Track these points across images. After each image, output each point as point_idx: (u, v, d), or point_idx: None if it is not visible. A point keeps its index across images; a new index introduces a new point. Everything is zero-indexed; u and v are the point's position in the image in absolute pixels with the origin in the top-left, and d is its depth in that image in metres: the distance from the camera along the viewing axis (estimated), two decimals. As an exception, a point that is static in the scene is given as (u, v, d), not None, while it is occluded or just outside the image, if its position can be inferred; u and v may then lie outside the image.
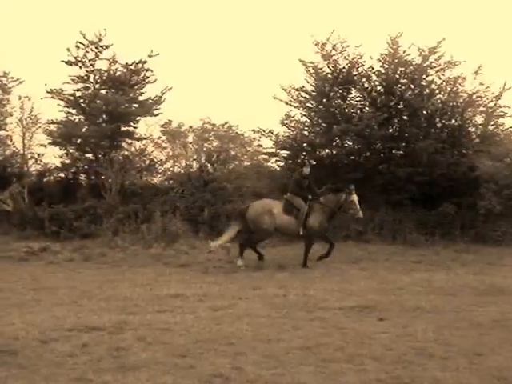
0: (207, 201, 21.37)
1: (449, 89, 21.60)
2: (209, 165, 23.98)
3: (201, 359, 6.59)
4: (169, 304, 9.98)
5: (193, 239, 19.08)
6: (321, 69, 21.96)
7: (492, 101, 21.55)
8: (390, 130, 21.56)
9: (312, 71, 22.01)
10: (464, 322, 8.44)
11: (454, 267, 14.86)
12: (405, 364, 6.38)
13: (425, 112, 21.38)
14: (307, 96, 22.21)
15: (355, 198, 15.34)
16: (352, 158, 22.12)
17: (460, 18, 39.44)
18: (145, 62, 22.77)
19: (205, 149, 24.85)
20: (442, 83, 21.66)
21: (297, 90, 22.20)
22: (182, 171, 24.47)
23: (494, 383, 5.70)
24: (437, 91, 21.65)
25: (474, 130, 22.21)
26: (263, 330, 7.93)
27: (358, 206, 15.39)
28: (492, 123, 21.97)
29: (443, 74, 21.52)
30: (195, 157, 24.89)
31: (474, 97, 21.44)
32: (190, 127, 25.14)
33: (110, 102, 21.79)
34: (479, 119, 22.15)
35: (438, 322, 8.52)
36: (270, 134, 22.53)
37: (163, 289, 11.53)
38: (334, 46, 21.62)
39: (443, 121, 21.85)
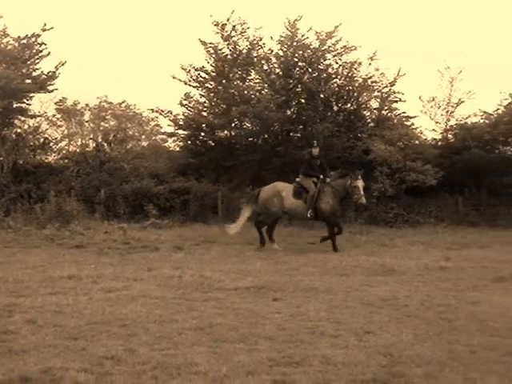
0: (104, 181, 21.08)
1: (345, 73, 22.06)
2: (105, 144, 23.53)
3: (92, 341, 6.47)
4: (61, 286, 9.74)
5: (88, 220, 18.74)
6: (220, 49, 21.93)
7: (387, 86, 22.19)
8: (288, 113, 21.84)
9: (212, 52, 21.95)
10: (355, 302, 8.65)
11: (347, 248, 15.21)
12: (297, 343, 6.48)
13: (322, 95, 21.75)
14: (207, 76, 22.18)
15: (360, 183, 15.20)
16: (250, 139, 22.30)
17: (356, 4, 40.22)
18: (38, 35, 22.02)
19: (101, 128, 24.31)
20: (338, 67, 22.08)
21: (196, 69, 22.11)
22: (78, 150, 23.92)
23: (380, 359, 5.87)
24: (333, 75, 22.05)
25: (368, 114, 22.84)
26: (157, 311, 7.88)
27: (362, 192, 15.24)
28: (386, 108, 22.63)
29: (340, 59, 21.98)
30: (91, 136, 24.32)
31: (369, 82, 22.02)
32: (87, 105, 24.50)
33: (0, 78, 20.91)
34: (374, 104, 22.79)
35: (331, 301, 8.70)
36: (168, 114, 22.40)
37: (56, 270, 11.23)
38: (234, 27, 21.65)
39: (339, 104, 22.38)
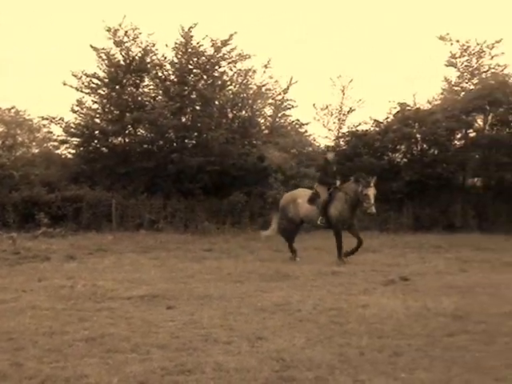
0: (-9, 189, 20.36)
1: (240, 80, 22.26)
2: (-7, 151, 22.78)
3: (-23, 357, 6.22)
4: None
5: (-26, 230, 18.05)
6: (113, 55, 21.64)
7: (280, 94, 22.56)
8: (183, 120, 21.81)
9: (104, 57, 21.63)
10: (249, 308, 8.68)
11: (242, 255, 15.25)
12: (190, 351, 6.45)
13: (217, 103, 21.86)
14: (99, 83, 21.81)
15: (371, 191, 14.18)
16: (145, 146, 22.12)
17: (250, 13, 40.69)
18: None
19: (-11, 134, 23.52)
20: (233, 75, 22.26)
21: (88, 76, 21.69)
22: (-37, 158, 23.02)
23: (272, 364, 5.92)
24: (228, 83, 22.22)
25: (263, 121, 23.11)
26: (47, 322, 7.65)
27: (372, 201, 14.18)
28: (280, 115, 22.96)
29: (235, 66, 22.15)
30: (-22, 143, 23.49)
31: (264, 89, 22.31)
32: (-28, 111, 23.67)
33: None
34: (268, 111, 23.10)
35: (225, 308, 8.71)
36: (60, 121, 21.88)
37: None
38: (126, 32, 21.41)
39: (234, 112, 22.53)
